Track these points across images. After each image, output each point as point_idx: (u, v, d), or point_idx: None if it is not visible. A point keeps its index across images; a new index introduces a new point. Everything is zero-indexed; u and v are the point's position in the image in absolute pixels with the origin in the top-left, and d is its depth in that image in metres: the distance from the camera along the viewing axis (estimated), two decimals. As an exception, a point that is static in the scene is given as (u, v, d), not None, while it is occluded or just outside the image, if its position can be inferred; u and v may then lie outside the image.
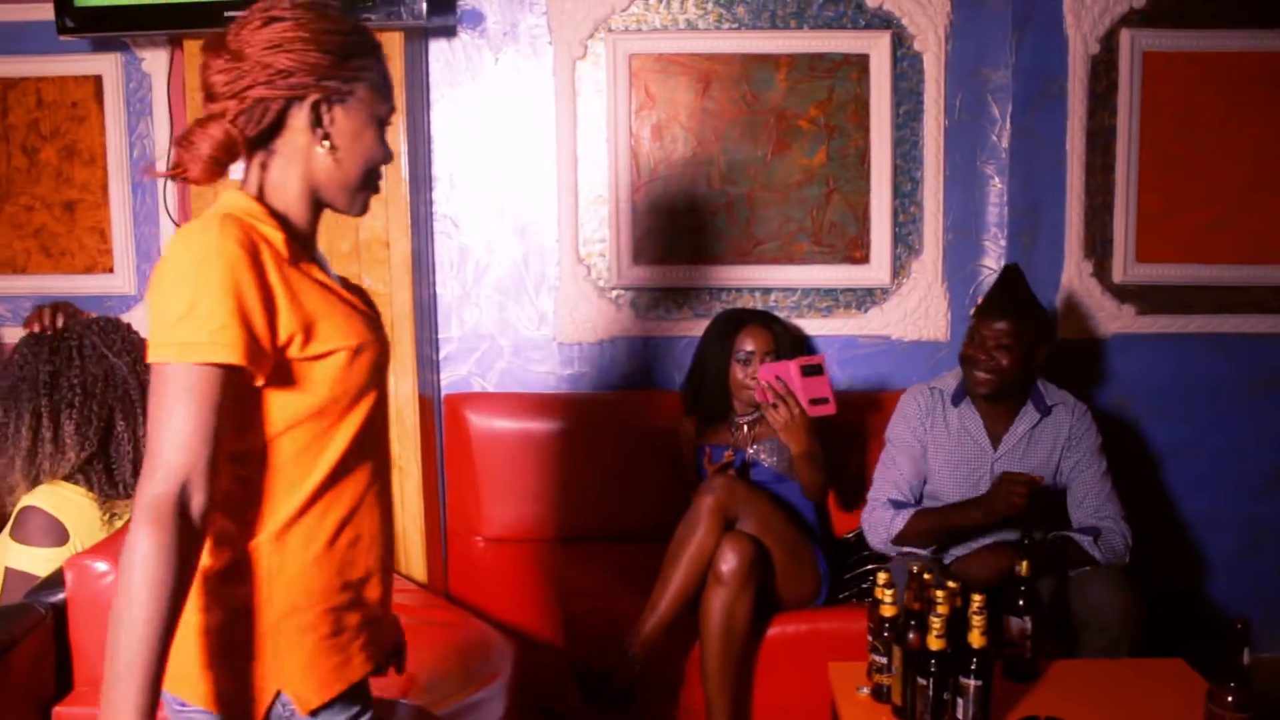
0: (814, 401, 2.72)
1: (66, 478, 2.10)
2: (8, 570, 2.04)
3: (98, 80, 3.25)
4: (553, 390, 3.28)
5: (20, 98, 3.26)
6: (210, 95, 1.31)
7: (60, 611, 1.87)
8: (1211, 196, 3.18)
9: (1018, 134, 3.15)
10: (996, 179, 3.19)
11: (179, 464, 1.18)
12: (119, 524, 2.10)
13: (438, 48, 3.18)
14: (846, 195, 3.21)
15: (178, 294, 1.20)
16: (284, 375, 1.28)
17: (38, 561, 2.03)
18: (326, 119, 1.34)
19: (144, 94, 3.25)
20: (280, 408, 1.29)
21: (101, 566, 1.83)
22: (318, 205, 1.39)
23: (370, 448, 1.38)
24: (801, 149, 3.20)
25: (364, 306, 1.43)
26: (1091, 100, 3.14)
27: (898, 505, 2.74)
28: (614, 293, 3.26)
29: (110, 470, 2.13)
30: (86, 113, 3.27)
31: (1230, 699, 1.85)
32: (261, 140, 1.33)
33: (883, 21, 3.15)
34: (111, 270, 3.32)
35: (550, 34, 3.17)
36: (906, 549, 2.74)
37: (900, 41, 3.15)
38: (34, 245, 3.33)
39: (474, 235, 3.26)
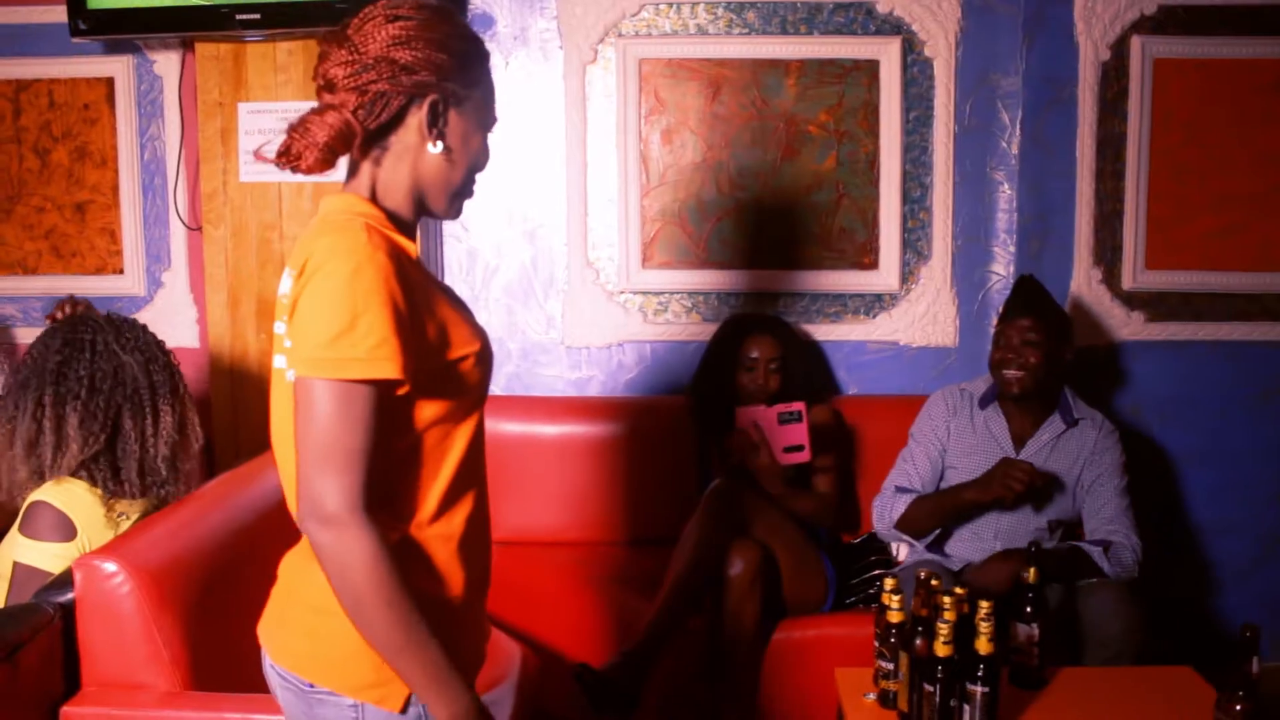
0: (789, 449, 2.76)
1: (72, 473, 2.11)
2: (16, 565, 2.04)
3: (109, 82, 3.27)
4: (560, 394, 3.29)
5: (33, 99, 3.28)
6: (329, 86, 1.32)
7: (69, 611, 1.87)
8: (1221, 203, 3.17)
9: (1027, 140, 3.15)
10: (1006, 185, 3.19)
11: (353, 476, 1.22)
12: (125, 524, 2.10)
13: (448, 51, 3.19)
14: (856, 201, 3.21)
15: (336, 308, 1.21)
16: (422, 382, 1.29)
17: (46, 557, 2.04)
18: (442, 120, 1.35)
19: (155, 96, 3.26)
20: (416, 412, 1.31)
21: (110, 567, 1.82)
22: (419, 209, 1.40)
23: (480, 449, 1.43)
24: (811, 154, 3.20)
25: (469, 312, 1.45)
26: (1102, 107, 3.13)
27: (902, 492, 2.75)
28: (622, 297, 3.26)
29: (116, 469, 2.13)
30: (98, 114, 3.29)
31: (1238, 707, 1.84)
32: (378, 135, 1.34)
33: (893, 27, 3.15)
34: (121, 271, 3.34)
35: (560, 38, 3.18)
36: (915, 547, 2.75)
37: (910, 47, 3.15)
38: (45, 246, 3.34)
39: (483, 238, 3.26)
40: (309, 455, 1.23)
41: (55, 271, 3.35)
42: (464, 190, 1.42)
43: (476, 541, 1.41)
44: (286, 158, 1.32)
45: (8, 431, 2.12)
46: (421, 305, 1.28)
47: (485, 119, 1.41)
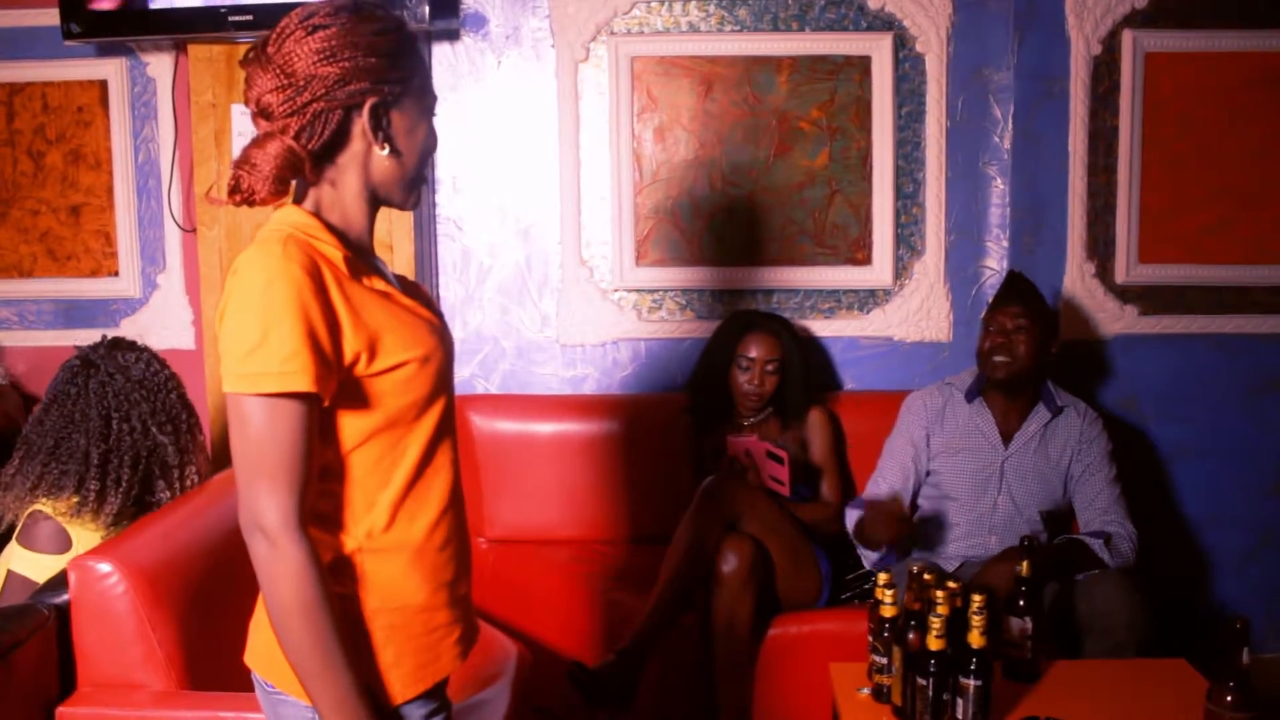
0: (772, 479, 2.82)
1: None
2: (10, 574, 2.06)
3: (103, 85, 3.27)
4: (555, 392, 3.29)
5: (26, 102, 3.29)
6: (265, 114, 1.29)
7: (64, 612, 1.88)
8: (1214, 197, 3.17)
9: (1020, 135, 3.15)
10: (998, 180, 3.19)
11: (284, 492, 1.22)
12: (114, 530, 2.12)
13: (441, 51, 3.19)
14: (848, 197, 3.22)
15: (248, 323, 1.21)
16: (352, 393, 1.28)
17: (41, 568, 2.05)
18: (385, 122, 1.33)
19: (149, 98, 3.27)
20: (352, 424, 1.30)
21: (104, 567, 1.83)
22: (375, 206, 1.39)
23: (444, 450, 1.40)
24: (803, 151, 3.20)
25: (426, 311, 1.41)
26: (1093, 101, 3.14)
27: (856, 508, 2.78)
28: (616, 295, 3.26)
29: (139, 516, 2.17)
30: (92, 117, 3.29)
31: (1229, 698, 1.85)
32: (325, 155, 1.32)
33: (884, 23, 3.15)
34: (117, 274, 3.34)
35: (553, 37, 3.18)
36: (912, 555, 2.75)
37: (902, 43, 3.16)
38: (40, 249, 3.35)
39: (477, 238, 3.27)
40: (241, 470, 1.24)
41: (50, 274, 3.35)
42: (419, 179, 1.40)
43: (441, 547, 1.38)
44: (239, 194, 1.30)
45: (37, 482, 2.12)
46: (344, 317, 1.26)
47: (426, 105, 1.38)
